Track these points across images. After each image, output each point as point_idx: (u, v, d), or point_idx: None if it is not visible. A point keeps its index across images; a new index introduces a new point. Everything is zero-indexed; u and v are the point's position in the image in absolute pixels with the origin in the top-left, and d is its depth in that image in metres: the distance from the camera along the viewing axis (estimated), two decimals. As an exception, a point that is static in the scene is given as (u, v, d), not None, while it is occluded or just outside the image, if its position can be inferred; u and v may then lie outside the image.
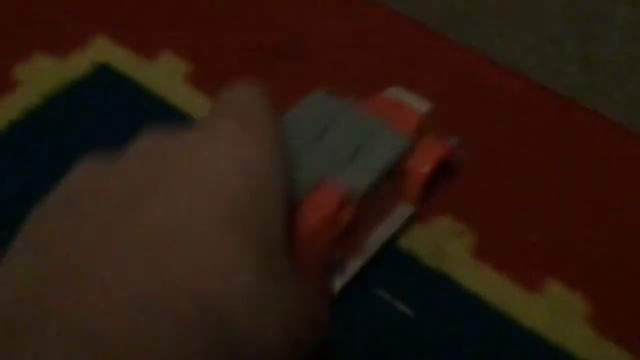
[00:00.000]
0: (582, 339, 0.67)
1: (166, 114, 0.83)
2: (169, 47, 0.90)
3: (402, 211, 0.71)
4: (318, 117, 0.67)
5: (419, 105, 0.70)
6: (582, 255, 0.72)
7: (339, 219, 0.62)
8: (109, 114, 0.84)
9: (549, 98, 0.85)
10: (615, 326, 0.67)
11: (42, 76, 0.87)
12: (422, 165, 0.69)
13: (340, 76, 0.86)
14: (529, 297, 0.69)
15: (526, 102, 0.85)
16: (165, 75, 0.87)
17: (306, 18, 0.93)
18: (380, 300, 0.69)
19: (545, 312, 0.68)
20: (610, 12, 0.93)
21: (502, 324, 0.68)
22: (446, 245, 0.73)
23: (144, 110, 0.84)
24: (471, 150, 0.79)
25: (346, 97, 0.68)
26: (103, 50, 0.90)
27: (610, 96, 0.87)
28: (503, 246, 0.73)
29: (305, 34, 0.91)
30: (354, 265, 0.67)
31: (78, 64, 0.89)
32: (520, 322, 0.68)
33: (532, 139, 0.82)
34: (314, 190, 0.62)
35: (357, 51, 0.90)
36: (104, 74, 0.88)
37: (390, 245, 0.72)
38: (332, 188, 0.62)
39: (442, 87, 0.86)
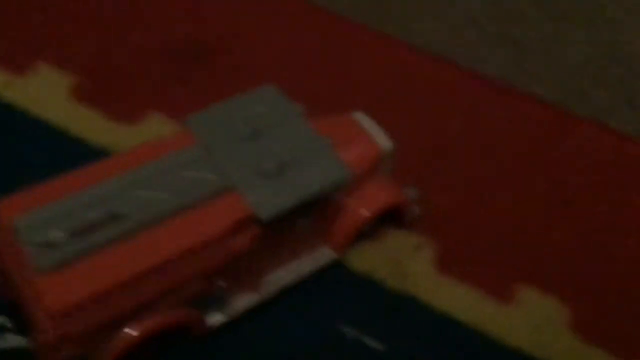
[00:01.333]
0: (568, 350, 0.61)
1: (49, 138, 0.69)
2: (45, 58, 0.74)
3: (324, 254, 0.60)
4: (259, 114, 0.56)
5: (380, 140, 0.60)
6: (552, 255, 0.66)
7: (231, 244, 0.51)
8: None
9: (481, 84, 0.79)
10: (601, 330, 0.62)
11: None
12: (363, 208, 0.59)
13: (257, 80, 0.75)
14: (505, 310, 0.62)
15: (459, 91, 0.78)
16: (44, 92, 0.72)
17: (214, 17, 0.81)
18: (347, 338, 0.59)
19: (525, 325, 0.62)
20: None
21: (481, 345, 0.60)
22: (406, 263, 0.64)
23: (20, 136, 0.69)
24: (418, 149, 0.71)
25: (297, 104, 0.57)
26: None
27: (539, 76, 0.81)
28: (467, 254, 0.65)
29: (216, 34, 0.78)
30: (244, 302, 0.56)
31: None
32: (501, 340, 0.61)
33: (475, 129, 0.74)
34: (213, 200, 0.51)
35: (273, 48, 0.79)
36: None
37: (344, 269, 0.63)
38: (233, 204, 0.51)
39: (370, 79, 0.77)
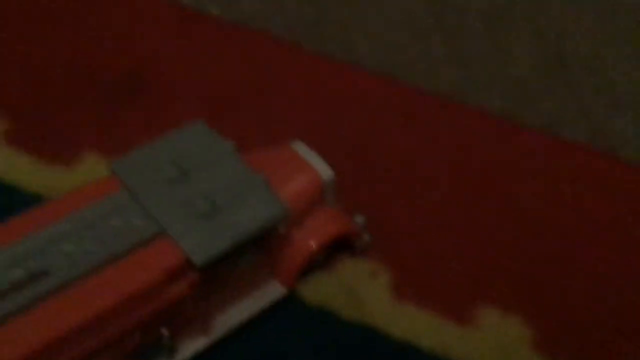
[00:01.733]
0: (533, 370, 0.59)
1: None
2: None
3: (273, 289, 0.58)
4: (188, 153, 0.53)
5: (321, 169, 0.58)
6: (510, 273, 0.64)
7: (166, 292, 0.48)
8: None
9: (427, 101, 0.77)
10: (565, 349, 0.60)
11: None
12: (310, 240, 0.57)
13: (193, 111, 0.72)
14: (466, 333, 0.60)
15: (405, 109, 0.76)
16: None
17: (143, 50, 0.78)
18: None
19: (488, 347, 0.60)
20: (466, 2, 0.87)
21: (445, 372, 0.58)
22: (361, 291, 0.62)
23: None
24: (366, 173, 0.69)
25: (228, 140, 0.55)
26: None
27: (487, 88, 0.80)
28: (423, 278, 0.63)
29: (144, 67, 0.76)
30: (192, 347, 0.54)
31: None
32: (464, 365, 0.59)
33: (424, 147, 0.73)
34: (144, 248, 0.48)
35: (209, 78, 0.76)
36: None
37: (297, 302, 0.60)
38: (165, 251, 0.48)
39: (311, 103, 0.75)
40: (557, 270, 0.64)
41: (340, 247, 0.62)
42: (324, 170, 0.58)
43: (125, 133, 0.70)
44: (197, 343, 0.54)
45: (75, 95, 0.73)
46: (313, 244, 0.57)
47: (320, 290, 0.61)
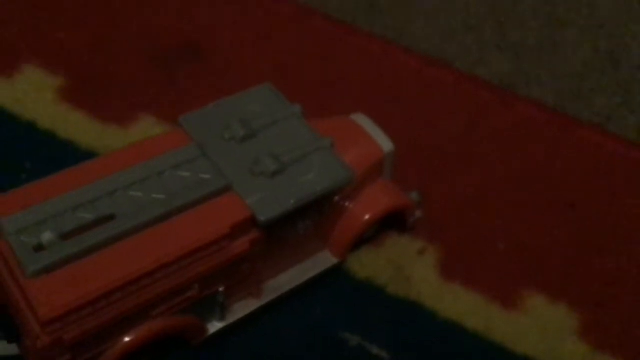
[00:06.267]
0: (577, 357, 0.59)
1: (36, 140, 0.66)
2: (31, 60, 0.72)
3: (324, 259, 0.58)
4: (255, 113, 0.54)
5: (381, 141, 0.58)
6: (558, 261, 0.64)
7: (229, 248, 0.48)
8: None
9: (480, 87, 0.77)
10: (611, 337, 0.60)
11: None
12: (364, 212, 0.57)
13: (248, 81, 0.72)
14: (512, 316, 0.60)
15: (458, 94, 0.76)
16: (30, 93, 0.69)
17: (203, 19, 0.78)
18: (350, 346, 0.57)
19: (533, 332, 0.60)
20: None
21: (489, 352, 0.58)
22: (408, 268, 0.62)
23: (6, 138, 0.66)
24: (416, 152, 0.70)
25: (295, 104, 0.55)
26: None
27: (538, 81, 0.80)
28: (471, 259, 0.63)
29: (203, 36, 0.76)
30: (243, 309, 0.54)
31: None
32: (509, 347, 0.58)
33: (475, 132, 0.73)
34: (211, 202, 0.48)
35: (264, 51, 0.77)
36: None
37: (345, 275, 0.60)
38: (231, 206, 0.48)
39: (365, 82, 0.75)
40: (607, 261, 0.64)
41: (389, 223, 0.62)
42: (385, 143, 0.58)
43: (182, 99, 0.70)
44: (249, 306, 0.54)
45: (133, 58, 0.73)
46: (367, 215, 0.57)
47: (368, 265, 0.61)
